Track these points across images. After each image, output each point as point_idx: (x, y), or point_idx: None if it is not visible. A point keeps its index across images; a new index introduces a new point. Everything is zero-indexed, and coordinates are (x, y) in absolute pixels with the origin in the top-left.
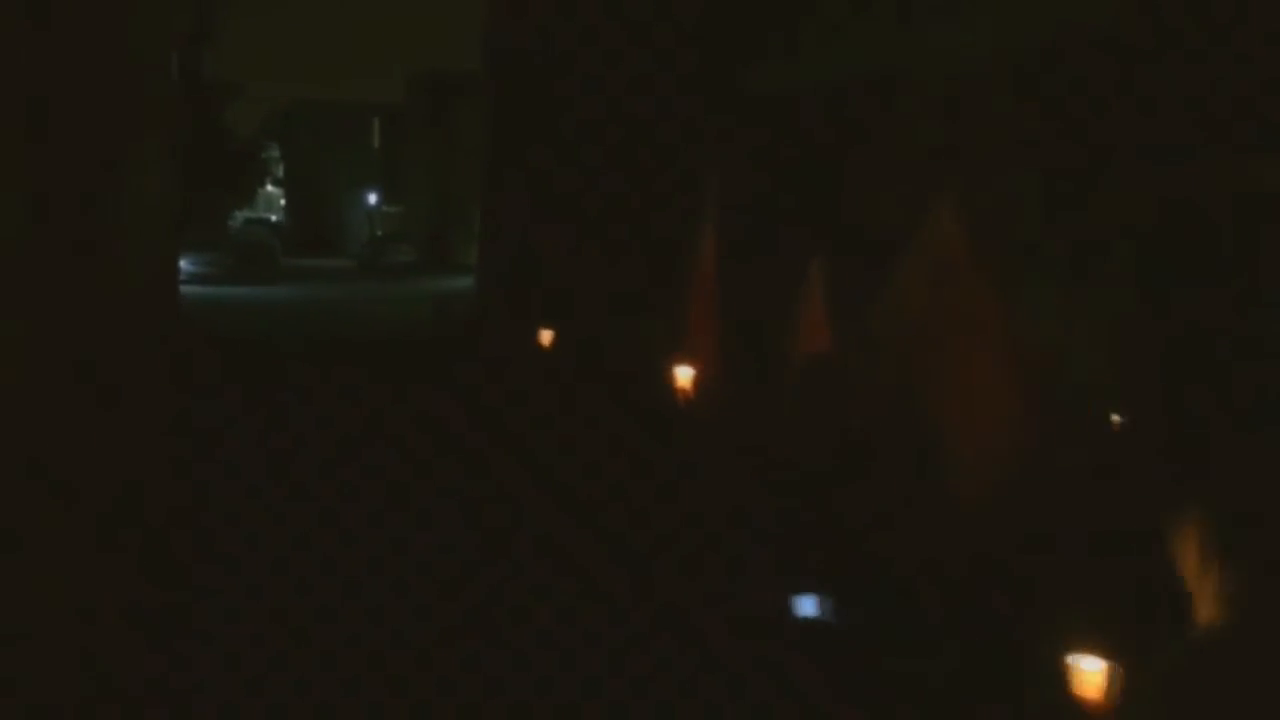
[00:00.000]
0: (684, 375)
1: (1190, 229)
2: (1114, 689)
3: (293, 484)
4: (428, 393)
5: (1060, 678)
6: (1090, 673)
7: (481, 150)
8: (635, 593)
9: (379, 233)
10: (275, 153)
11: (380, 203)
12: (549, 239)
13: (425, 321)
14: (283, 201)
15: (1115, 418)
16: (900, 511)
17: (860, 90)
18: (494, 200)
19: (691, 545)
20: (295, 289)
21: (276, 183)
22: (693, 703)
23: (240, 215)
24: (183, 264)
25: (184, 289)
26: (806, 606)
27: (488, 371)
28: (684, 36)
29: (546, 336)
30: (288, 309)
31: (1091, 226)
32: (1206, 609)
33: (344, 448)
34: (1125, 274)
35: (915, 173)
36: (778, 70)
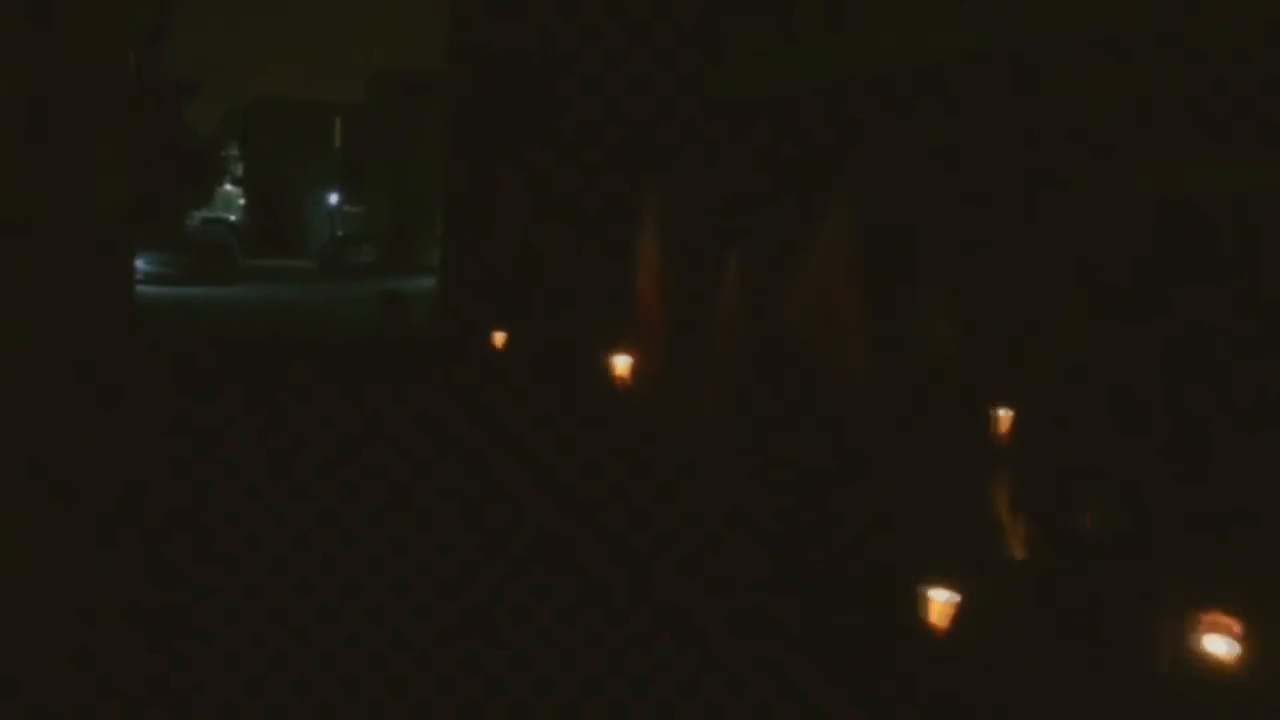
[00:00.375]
0: (621, 365)
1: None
2: (952, 614)
3: (248, 483)
4: (383, 391)
5: (914, 602)
6: (937, 601)
7: (444, 150)
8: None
9: (339, 233)
10: (235, 151)
11: (341, 203)
12: (507, 238)
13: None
14: (242, 201)
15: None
16: (800, 466)
17: (781, 104)
18: (456, 200)
19: (600, 503)
20: (254, 289)
21: (236, 182)
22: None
23: (198, 215)
24: (139, 264)
25: (140, 289)
26: None
27: (449, 367)
28: (643, 39)
29: (501, 334)
30: (245, 310)
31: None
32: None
33: (299, 446)
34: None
35: (820, 182)
36: (734, 77)
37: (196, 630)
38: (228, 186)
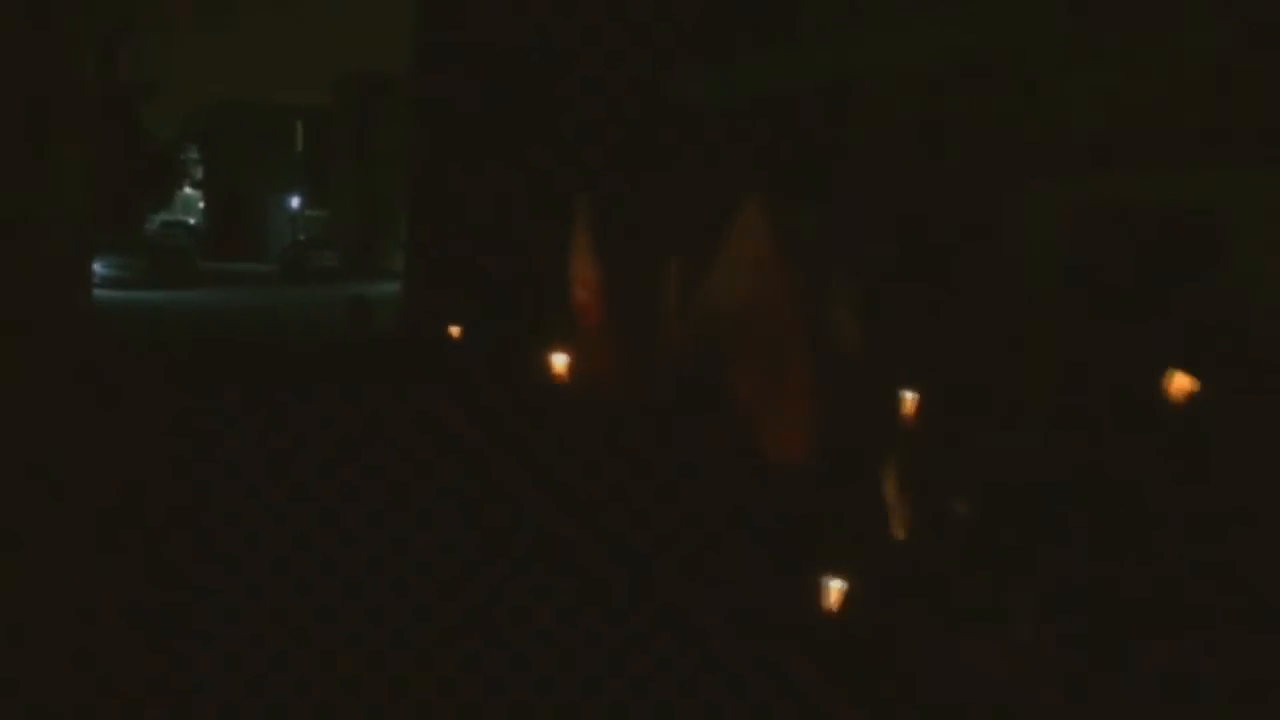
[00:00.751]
0: (559, 361)
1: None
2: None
3: (205, 482)
4: (333, 394)
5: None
6: (831, 586)
7: (407, 153)
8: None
9: (301, 237)
10: (195, 155)
11: (303, 207)
12: (464, 241)
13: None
14: (202, 205)
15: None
16: (713, 452)
17: (717, 113)
18: (419, 204)
19: (525, 487)
20: (213, 294)
21: (196, 185)
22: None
23: (157, 218)
24: (96, 267)
25: (97, 293)
26: None
27: (408, 369)
28: (599, 40)
29: (455, 330)
30: (202, 314)
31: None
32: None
33: (250, 448)
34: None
35: (743, 187)
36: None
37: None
38: (187, 190)
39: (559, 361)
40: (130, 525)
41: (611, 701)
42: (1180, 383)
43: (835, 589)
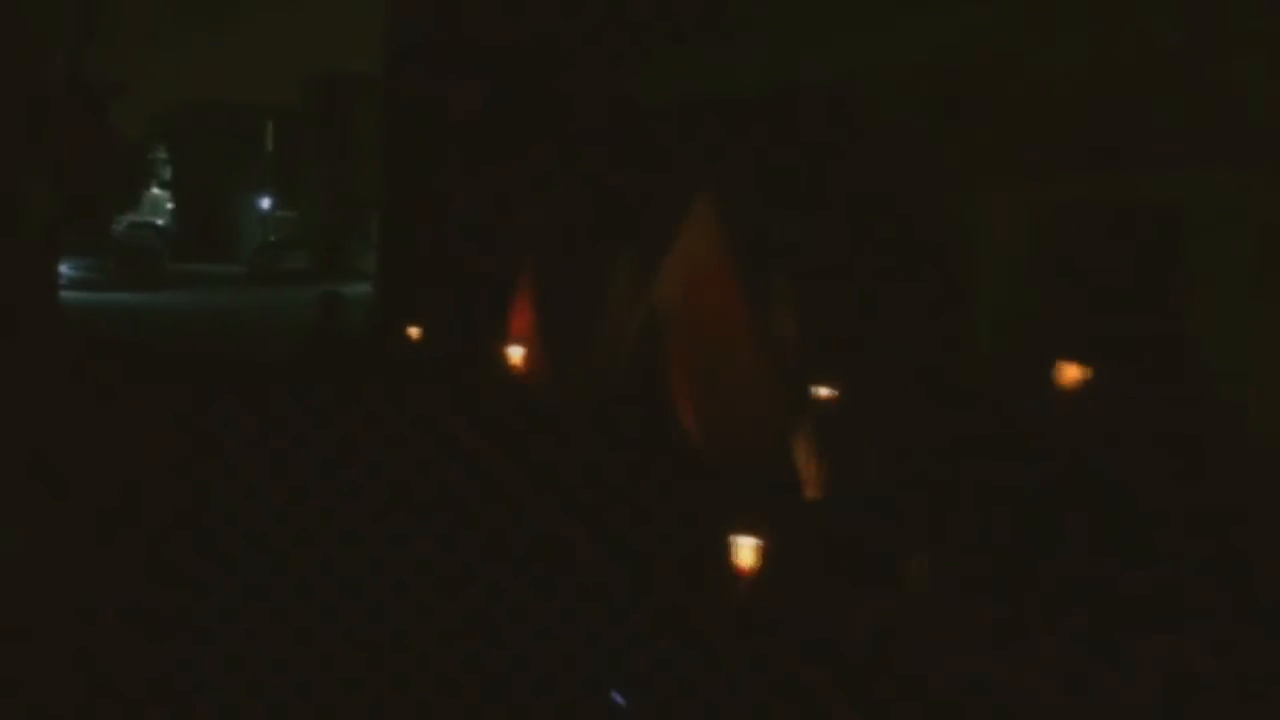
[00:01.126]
0: (515, 354)
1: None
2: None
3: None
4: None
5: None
6: (744, 546)
7: (378, 153)
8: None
9: (272, 238)
10: (163, 155)
11: (274, 207)
12: (434, 241)
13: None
14: (170, 205)
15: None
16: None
17: (655, 115)
18: (391, 204)
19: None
20: (181, 296)
21: (164, 186)
22: None
23: (125, 219)
24: (63, 269)
25: (64, 295)
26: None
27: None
28: (551, 44)
29: (415, 331)
30: (170, 317)
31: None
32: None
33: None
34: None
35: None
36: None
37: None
38: (155, 190)
39: (513, 358)
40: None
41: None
42: (1070, 372)
43: (747, 547)
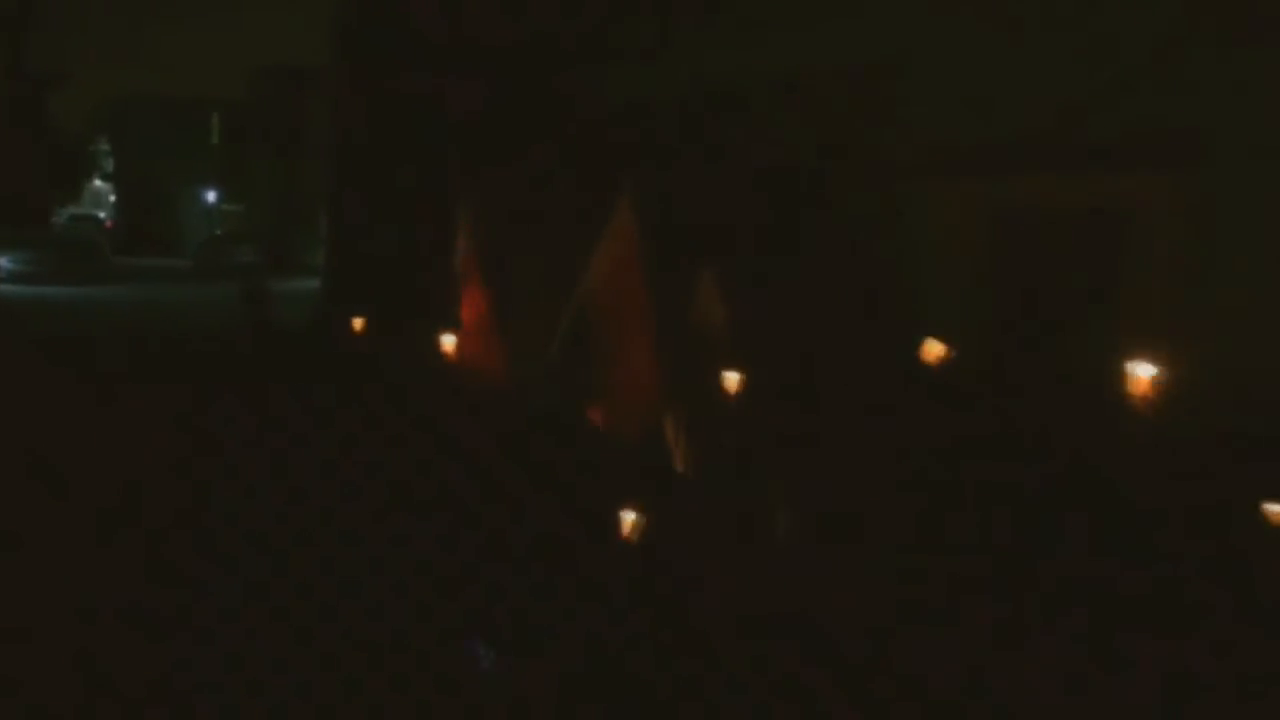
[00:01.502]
0: (448, 342)
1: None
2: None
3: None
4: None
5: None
6: (629, 520)
7: (328, 147)
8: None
9: (218, 232)
10: (105, 146)
11: (219, 201)
12: (378, 234)
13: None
14: (113, 198)
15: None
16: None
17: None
18: (338, 198)
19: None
20: (124, 290)
21: (106, 178)
22: None
23: (66, 211)
24: (1, 262)
25: (2, 288)
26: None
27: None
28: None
29: (359, 323)
30: (110, 310)
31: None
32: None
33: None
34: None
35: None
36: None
37: None
38: (98, 182)
39: (446, 347)
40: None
41: None
42: (933, 349)
43: (629, 520)
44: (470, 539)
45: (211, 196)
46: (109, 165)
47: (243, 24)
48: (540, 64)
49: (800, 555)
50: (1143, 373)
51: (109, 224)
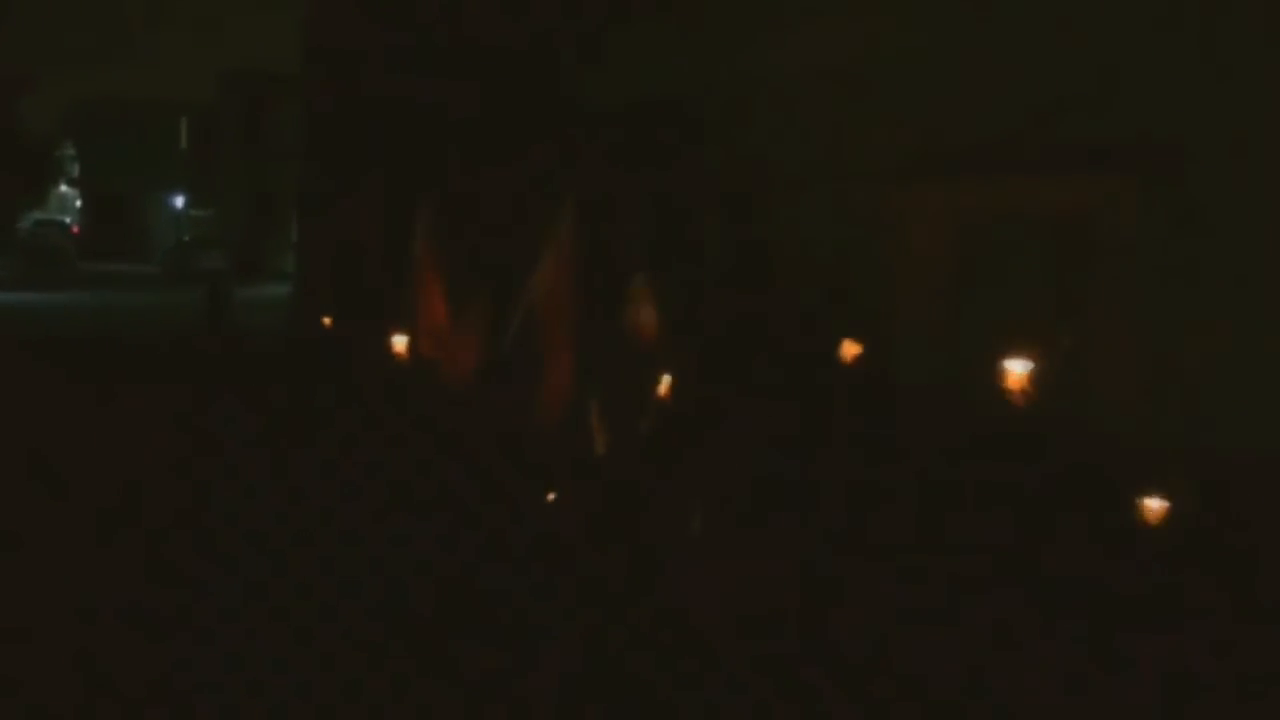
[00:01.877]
0: (400, 342)
1: None
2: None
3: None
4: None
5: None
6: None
7: (298, 151)
8: None
9: (186, 237)
10: (71, 151)
11: (188, 206)
12: (350, 239)
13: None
14: (79, 203)
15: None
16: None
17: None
18: (309, 203)
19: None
20: (91, 295)
21: (72, 183)
22: None
23: (31, 217)
24: None
25: None
26: None
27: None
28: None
29: (328, 321)
30: (75, 316)
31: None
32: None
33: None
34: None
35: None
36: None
37: None
38: (64, 188)
39: (397, 345)
40: None
41: None
42: (849, 349)
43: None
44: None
45: (180, 201)
46: (75, 170)
47: (212, 26)
48: (493, 68)
49: (709, 542)
50: (1019, 369)
51: (74, 229)
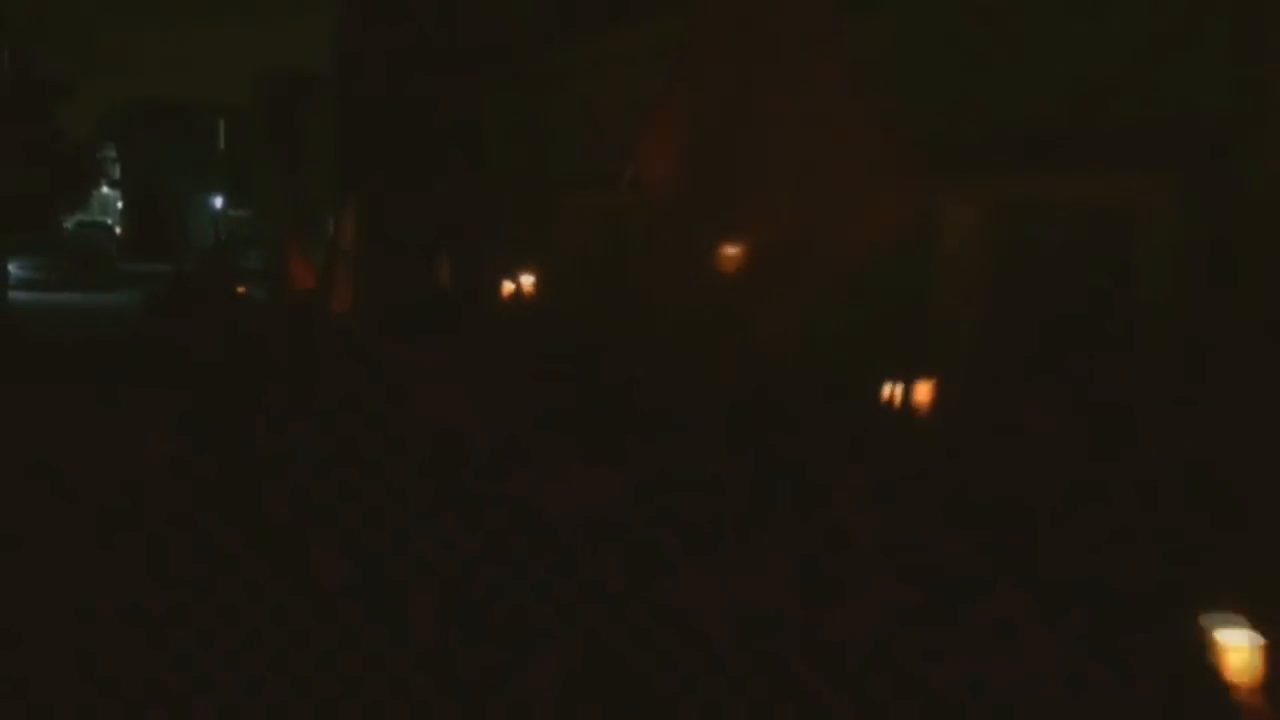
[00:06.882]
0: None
1: None
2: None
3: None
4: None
5: None
6: None
7: (332, 152)
8: None
9: (223, 237)
10: (112, 154)
11: (226, 207)
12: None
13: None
14: (120, 205)
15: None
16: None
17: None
18: (344, 200)
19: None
20: (131, 296)
21: (113, 185)
22: None
23: (74, 218)
24: (12, 269)
25: (13, 295)
26: None
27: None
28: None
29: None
30: (117, 316)
31: None
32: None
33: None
34: None
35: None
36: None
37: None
38: (105, 189)
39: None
40: None
41: None
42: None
43: None
44: None
45: (218, 202)
46: (116, 172)
47: (249, 31)
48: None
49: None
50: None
51: (117, 231)
